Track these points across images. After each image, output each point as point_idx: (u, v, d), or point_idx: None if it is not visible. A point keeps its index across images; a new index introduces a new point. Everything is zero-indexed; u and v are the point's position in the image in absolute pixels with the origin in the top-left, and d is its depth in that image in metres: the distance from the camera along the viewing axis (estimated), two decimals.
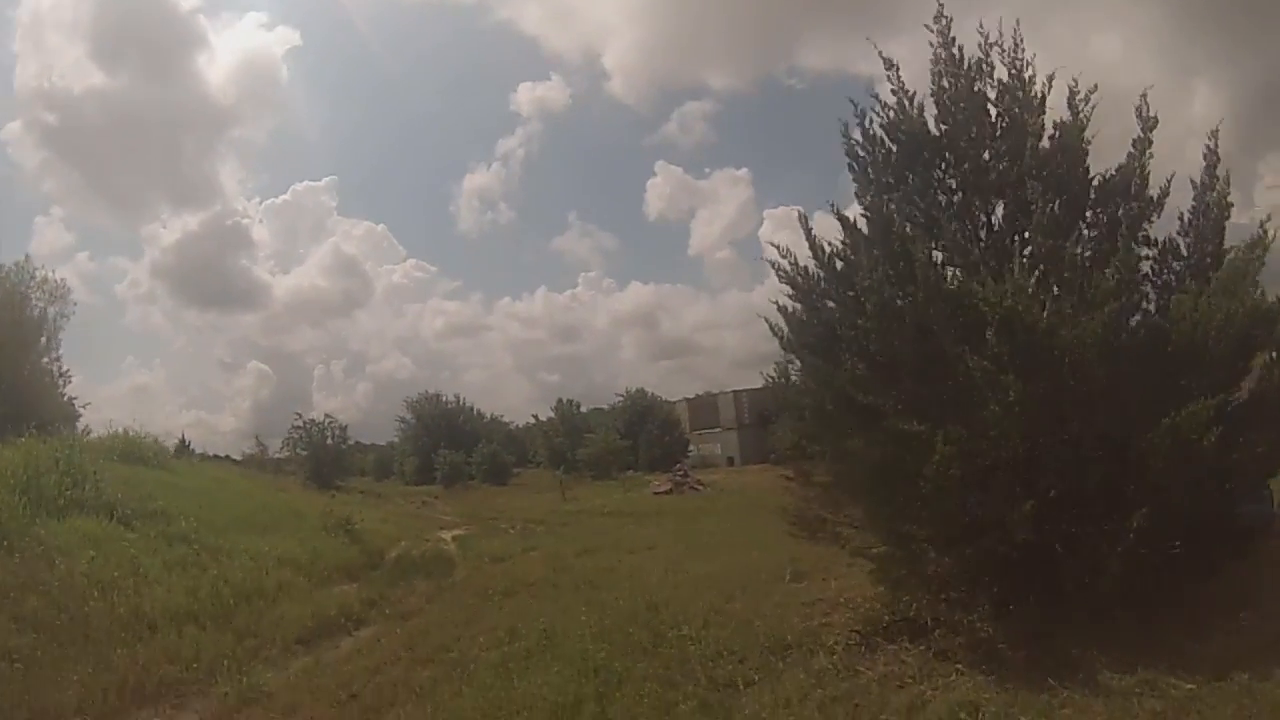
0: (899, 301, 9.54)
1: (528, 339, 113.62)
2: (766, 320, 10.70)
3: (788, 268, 10.58)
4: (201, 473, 34.01)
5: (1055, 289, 9.24)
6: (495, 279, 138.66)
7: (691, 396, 72.29)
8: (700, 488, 44.18)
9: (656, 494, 42.91)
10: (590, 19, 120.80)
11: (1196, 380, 8.62)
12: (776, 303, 10.70)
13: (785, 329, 10.63)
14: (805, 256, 10.49)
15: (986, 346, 8.87)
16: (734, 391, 65.39)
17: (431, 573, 19.83)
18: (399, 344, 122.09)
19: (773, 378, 56.61)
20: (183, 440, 55.24)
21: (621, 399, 71.90)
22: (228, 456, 64.82)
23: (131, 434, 31.70)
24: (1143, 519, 8.11)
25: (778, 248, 10.65)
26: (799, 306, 10.65)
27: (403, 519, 37.15)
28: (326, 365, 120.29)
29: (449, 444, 68.39)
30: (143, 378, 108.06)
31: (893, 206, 10.33)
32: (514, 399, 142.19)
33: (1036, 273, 9.23)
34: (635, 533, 25.94)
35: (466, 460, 65.95)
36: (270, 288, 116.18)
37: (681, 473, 48.92)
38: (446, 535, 30.20)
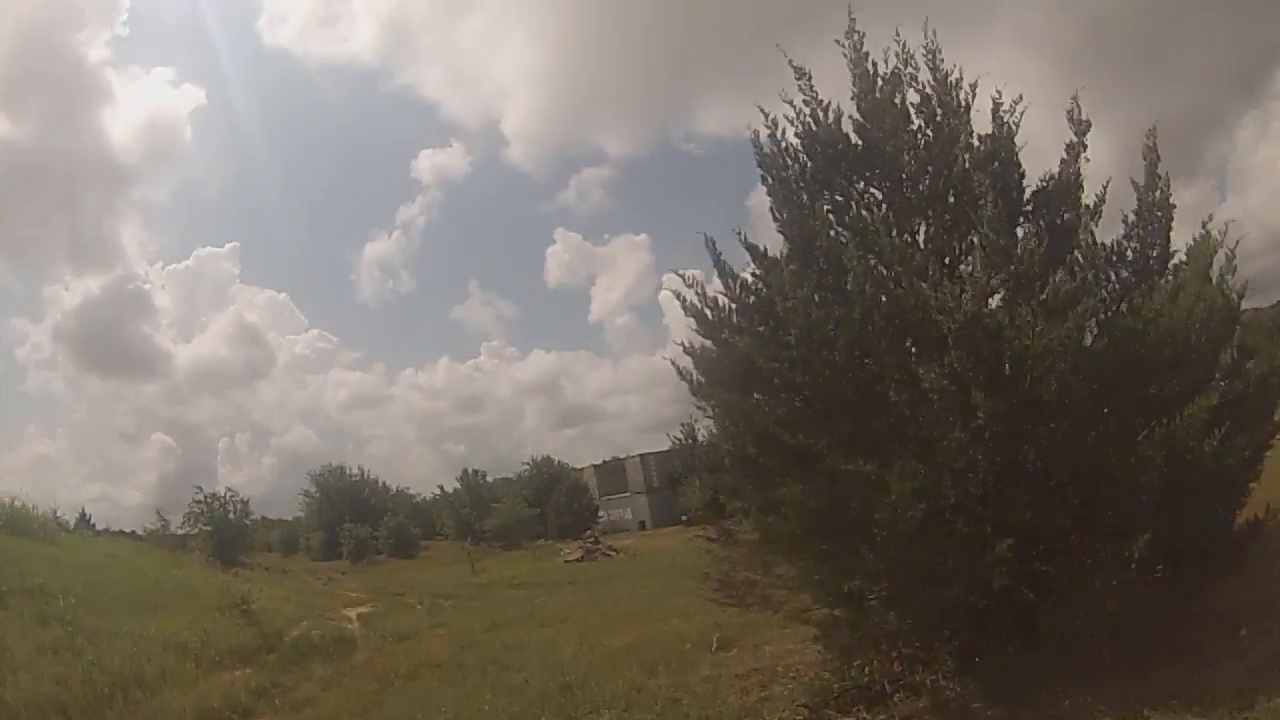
0: (829, 325, 8.54)
1: (431, 410, 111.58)
2: (674, 364, 9.92)
3: (695, 299, 9.73)
4: (92, 548, 31.99)
5: (1009, 294, 8.23)
6: (397, 349, 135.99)
7: (599, 463, 71.66)
8: (612, 554, 43.33)
9: (568, 562, 41.86)
10: (488, 84, 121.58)
11: (1178, 382, 7.97)
12: (683, 344, 9.89)
13: (694, 373, 9.79)
14: (715, 289, 9.69)
15: (943, 363, 7.92)
16: (641, 455, 64.90)
17: (331, 655, 18.56)
18: (302, 416, 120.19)
19: (679, 439, 56.39)
20: (83, 514, 53.50)
21: (528, 467, 70.96)
22: (132, 532, 61.65)
23: (17, 503, 28.91)
24: (1145, 546, 7.33)
25: (683, 276, 9.82)
26: (708, 343, 9.79)
27: (306, 596, 35.14)
28: (231, 438, 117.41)
29: (354, 518, 66.03)
30: (44, 447, 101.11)
31: (815, 222, 9.37)
32: (419, 470, 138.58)
33: (991, 275, 8.25)
34: (547, 604, 25.08)
35: (373, 534, 63.55)
36: (172, 356, 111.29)
37: (592, 539, 48.09)
38: (351, 613, 28.51)
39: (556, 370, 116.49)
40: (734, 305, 9.67)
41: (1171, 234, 9.18)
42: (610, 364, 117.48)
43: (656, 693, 10.62)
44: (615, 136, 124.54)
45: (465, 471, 73.61)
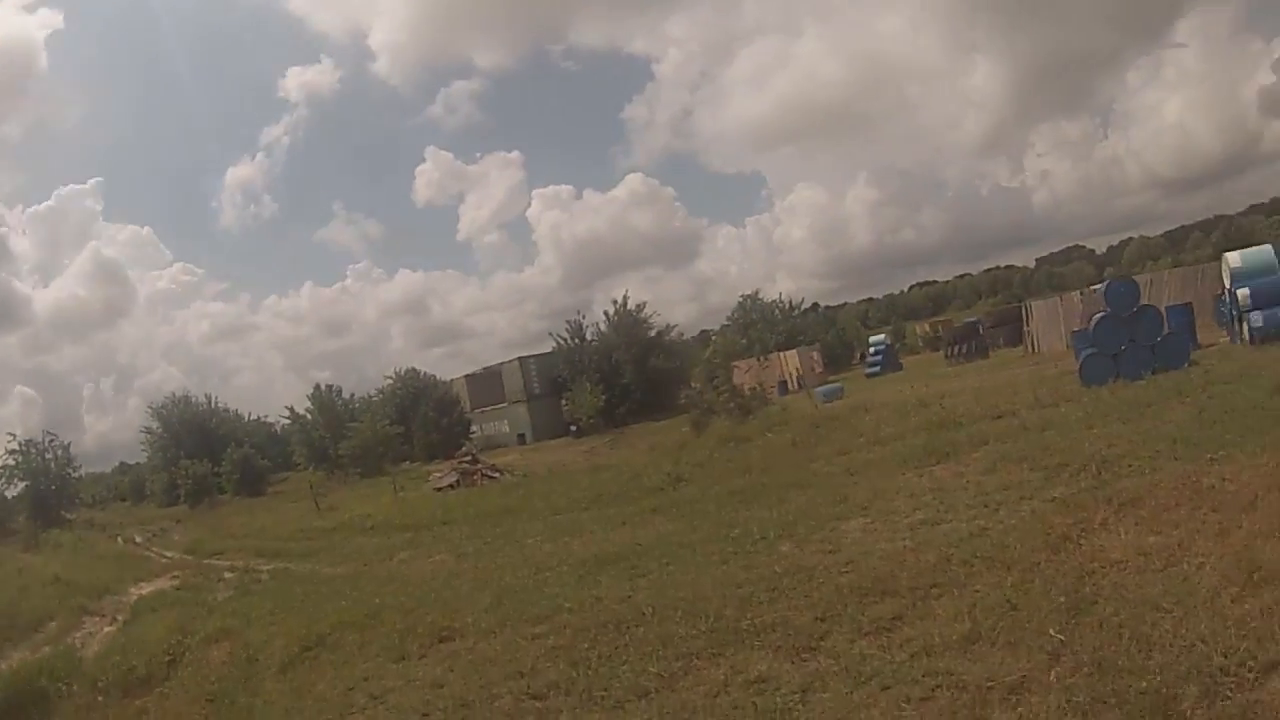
0: None
1: (296, 336, 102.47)
2: None
3: None
4: None
5: None
6: (262, 277, 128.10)
7: (471, 372, 61.22)
8: (497, 474, 33.24)
9: (439, 489, 31.97)
10: None
11: None
12: None
13: None
14: None
15: None
16: (520, 359, 55.33)
17: None
18: (166, 353, 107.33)
19: (563, 339, 47.54)
20: None
21: (391, 380, 58.96)
22: None
23: None
24: None
25: None
26: None
27: (95, 568, 25.83)
28: (95, 383, 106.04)
29: (194, 453, 54.91)
30: None
31: None
32: (286, 399, 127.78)
33: None
34: (411, 564, 16.71)
35: (214, 471, 52.53)
36: (31, 302, 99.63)
37: (469, 458, 37.14)
38: (133, 594, 19.69)
39: (424, 290, 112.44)
40: None
41: None
42: (478, 282, 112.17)
43: None
44: (487, 47, 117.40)
45: (317, 388, 59.57)
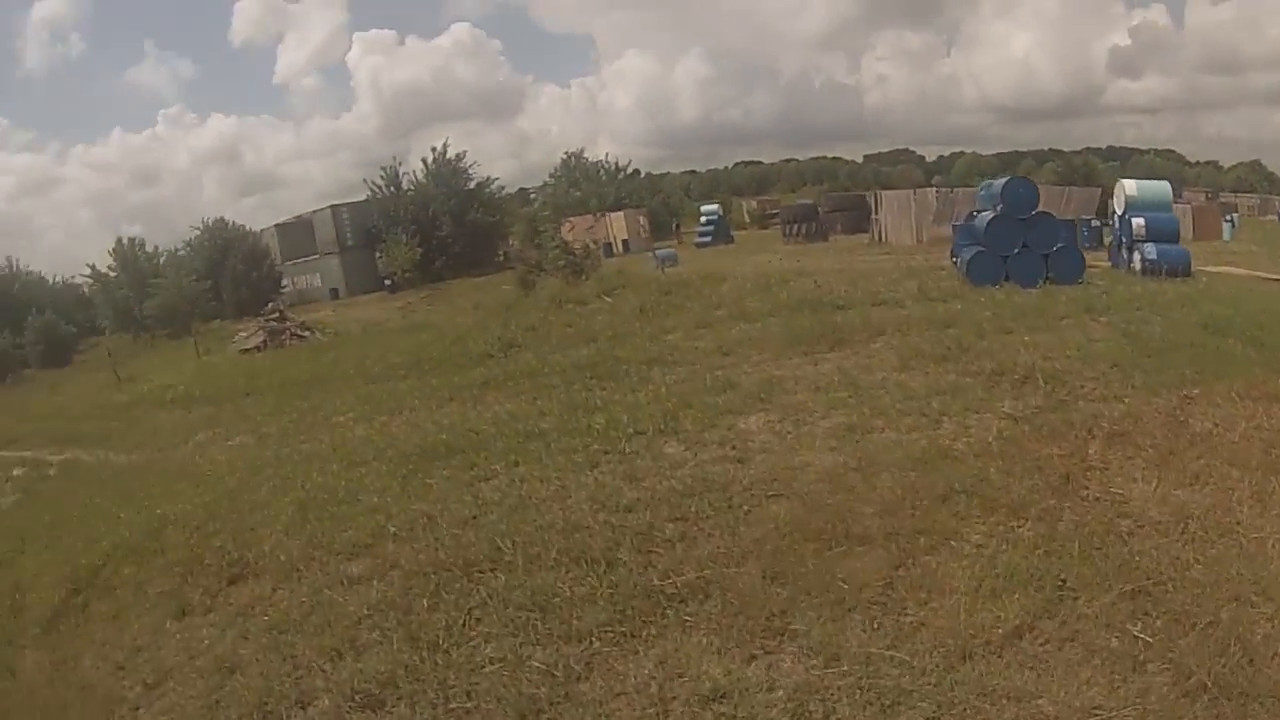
0: None
1: (106, 188, 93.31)
2: None
3: None
4: None
5: None
6: (69, 125, 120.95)
7: (281, 221, 55.48)
8: (306, 334, 30.04)
9: (244, 352, 28.67)
10: None
11: None
12: None
13: None
14: None
15: None
16: (332, 207, 50.58)
17: None
18: None
19: (377, 186, 43.43)
20: None
21: (199, 232, 51.80)
22: None
23: None
24: None
25: None
26: None
27: None
28: None
29: None
30: None
31: None
32: (97, 259, 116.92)
33: None
34: (208, 449, 14.14)
35: (15, 343, 46.73)
36: None
37: (277, 316, 32.73)
38: None
39: (237, 136, 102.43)
40: None
41: None
42: (293, 128, 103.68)
43: None
44: None
45: (119, 242, 52.66)
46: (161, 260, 50.52)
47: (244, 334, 31.28)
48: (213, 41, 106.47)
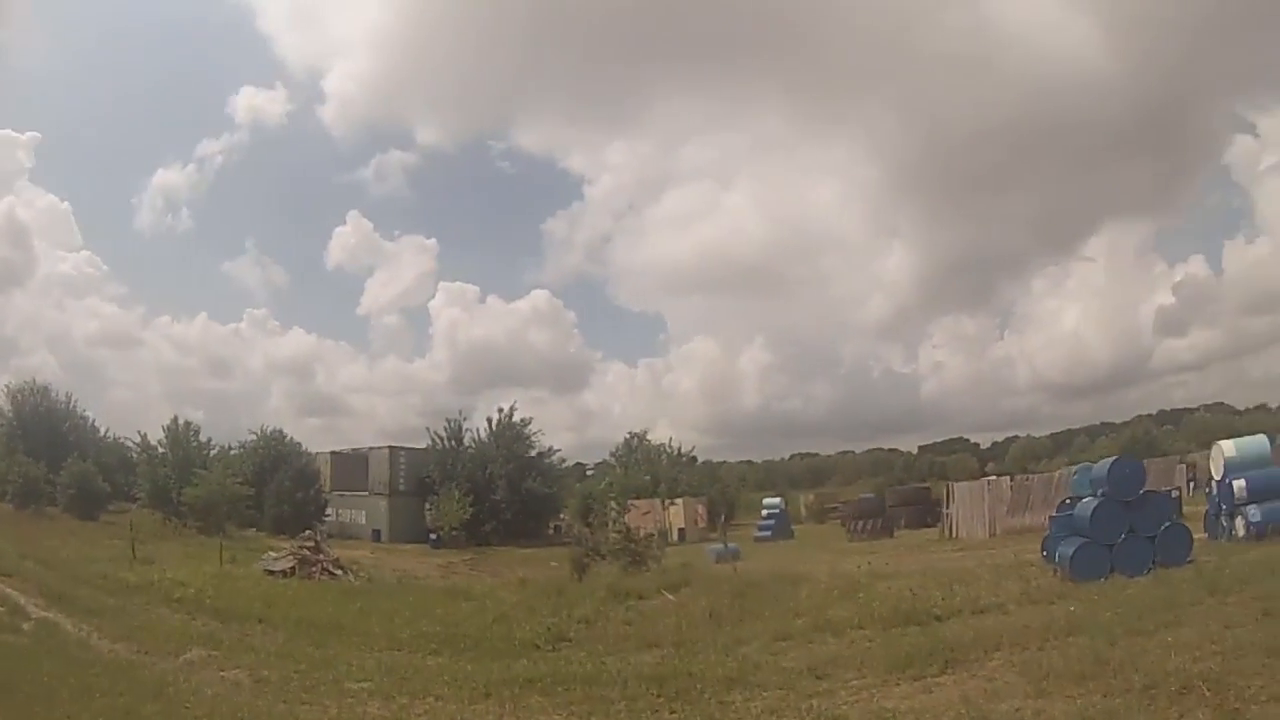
0: None
1: (180, 365, 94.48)
2: None
3: None
4: None
5: None
6: (161, 293, 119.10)
7: (338, 450, 55.07)
8: (339, 572, 28.43)
9: (270, 573, 27.22)
10: (326, 31, 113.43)
11: None
12: None
13: None
14: None
15: None
16: (390, 448, 51.20)
17: None
18: (50, 341, 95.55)
19: (439, 437, 44.09)
20: None
21: (255, 436, 52.69)
22: None
23: None
24: None
25: None
26: None
27: None
28: None
29: (36, 452, 48.98)
30: None
31: None
32: (154, 430, 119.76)
33: None
34: (196, 675, 12.77)
35: (49, 477, 46.41)
36: None
37: (311, 544, 31.11)
38: None
39: (313, 355, 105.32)
40: None
41: None
42: (368, 360, 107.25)
43: None
44: (430, 125, 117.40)
45: (174, 421, 52.46)
46: (212, 453, 51.18)
47: (274, 555, 30.32)
48: (309, 258, 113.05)
